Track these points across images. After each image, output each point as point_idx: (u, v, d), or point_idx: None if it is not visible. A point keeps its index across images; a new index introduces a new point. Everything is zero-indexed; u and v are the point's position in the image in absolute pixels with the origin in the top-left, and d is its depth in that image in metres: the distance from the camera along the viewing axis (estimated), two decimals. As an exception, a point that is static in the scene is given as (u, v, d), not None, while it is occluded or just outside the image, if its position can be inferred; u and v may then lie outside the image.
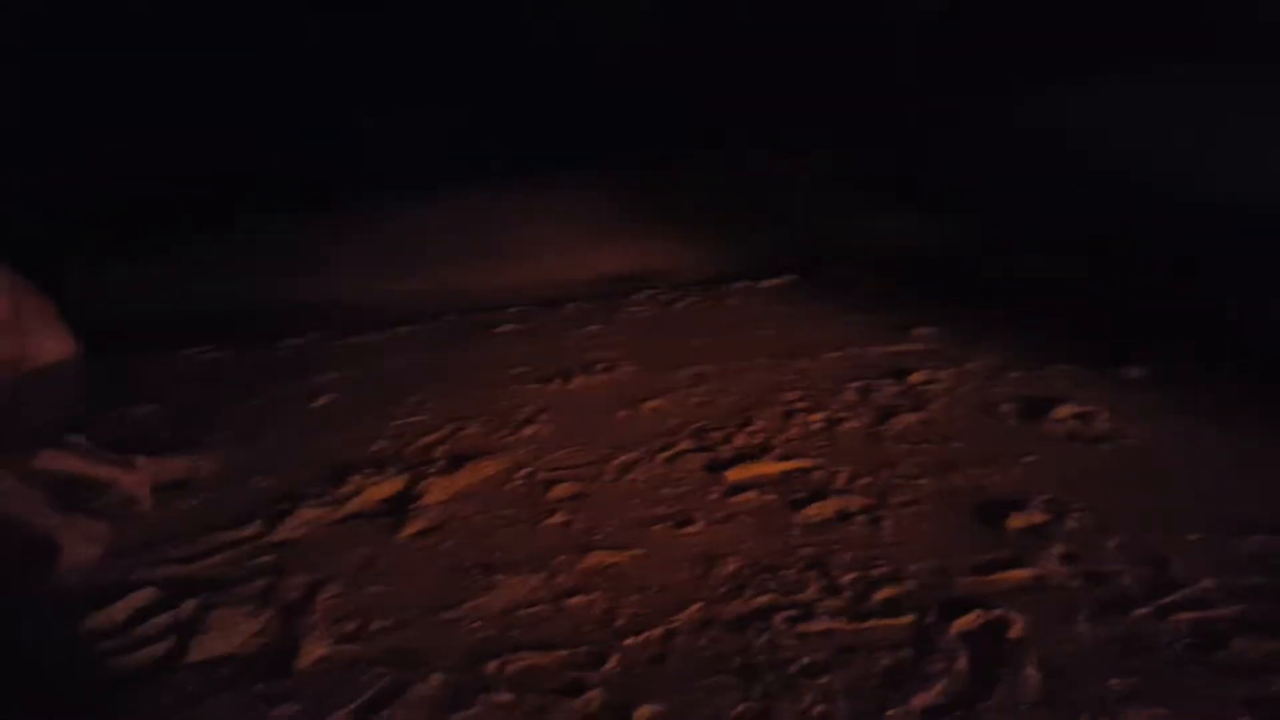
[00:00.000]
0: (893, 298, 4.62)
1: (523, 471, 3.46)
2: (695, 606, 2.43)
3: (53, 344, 3.39)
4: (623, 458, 3.41)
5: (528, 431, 3.82)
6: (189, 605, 2.85)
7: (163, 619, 2.83)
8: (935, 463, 3.03)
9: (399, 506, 3.35)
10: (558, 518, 3.07)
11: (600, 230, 6.65)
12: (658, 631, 2.35)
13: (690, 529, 2.84)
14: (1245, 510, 2.55)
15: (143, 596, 2.97)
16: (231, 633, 2.68)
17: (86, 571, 3.20)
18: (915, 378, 3.69)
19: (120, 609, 2.92)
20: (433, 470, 3.55)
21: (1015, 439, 3.15)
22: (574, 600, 2.57)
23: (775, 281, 5.18)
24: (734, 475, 3.13)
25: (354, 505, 3.44)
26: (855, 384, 3.71)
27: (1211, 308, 4.03)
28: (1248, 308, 3.93)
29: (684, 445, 3.43)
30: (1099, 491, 2.74)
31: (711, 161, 7.95)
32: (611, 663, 2.25)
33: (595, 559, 2.76)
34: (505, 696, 2.19)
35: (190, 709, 2.35)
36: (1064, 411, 3.28)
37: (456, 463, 3.58)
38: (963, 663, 2.08)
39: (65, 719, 2.38)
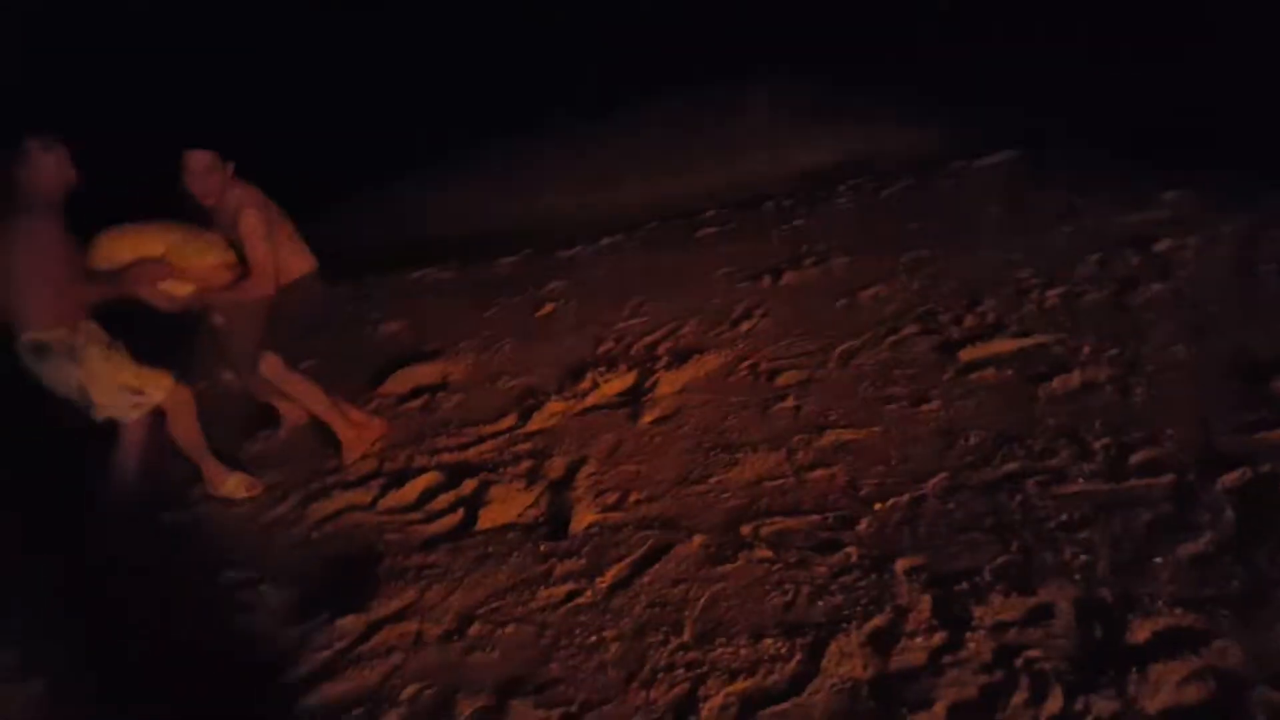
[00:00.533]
0: (1128, 165, 4.29)
1: (745, 363, 3.61)
2: (941, 475, 2.51)
3: (297, 260, 3.63)
4: (846, 344, 3.47)
5: (745, 326, 3.95)
6: (469, 484, 3.27)
7: (448, 495, 3.27)
8: (1188, 329, 2.88)
9: (634, 398, 3.61)
10: (787, 402, 3.20)
11: (794, 124, 6.55)
12: (904, 498, 2.46)
13: (927, 406, 2.89)
14: None
15: (428, 479, 3.43)
16: (510, 505, 3.05)
17: (375, 459, 3.71)
18: (1159, 246, 3.46)
19: (410, 489, 3.39)
20: (659, 366, 3.78)
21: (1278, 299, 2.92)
22: (816, 473, 2.71)
23: (992, 159, 4.92)
24: (967, 355, 3.12)
25: (592, 399, 3.74)
26: (1093, 256, 3.54)
27: None
28: None
29: (909, 330, 3.44)
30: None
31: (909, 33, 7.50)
32: (863, 525, 2.39)
33: (831, 437, 2.88)
34: (765, 553, 2.39)
35: (493, 563, 2.73)
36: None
37: (680, 358, 3.78)
38: (1229, 515, 2.04)
39: (389, 578, 2.81)
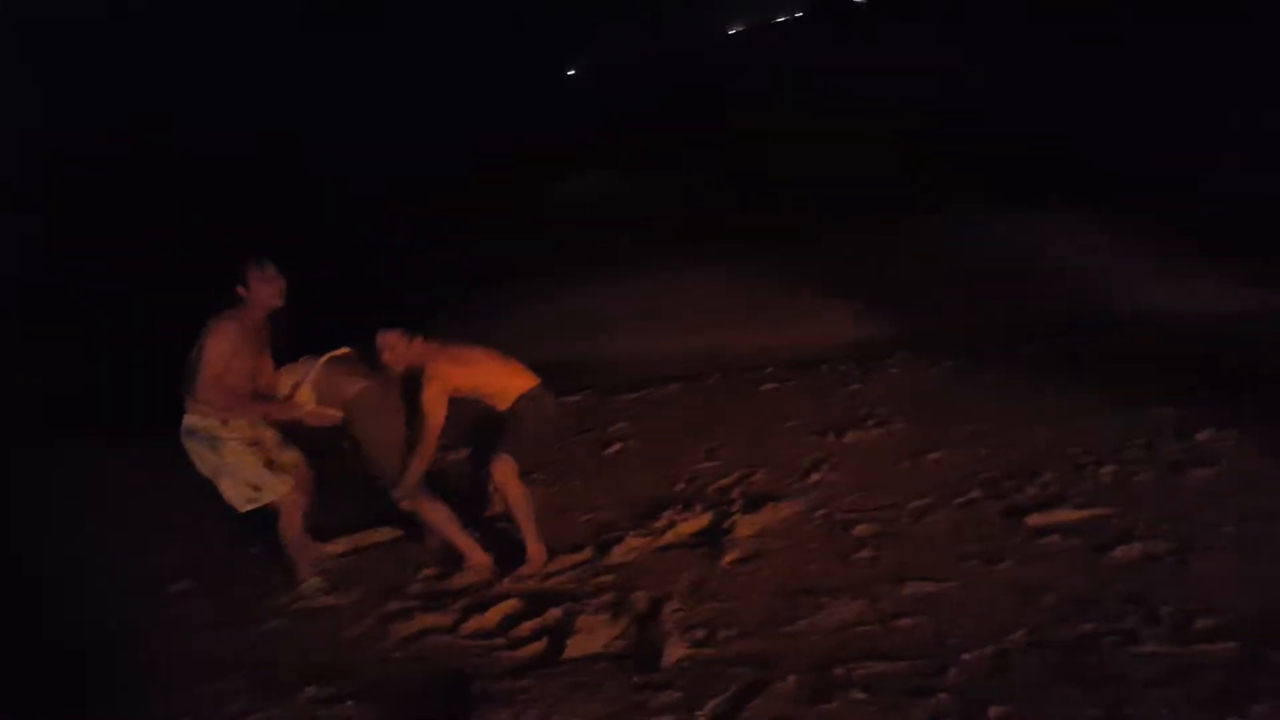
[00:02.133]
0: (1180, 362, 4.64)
1: (820, 512, 3.84)
2: (1022, 631, 2.68)
3: (517, 381, 4.00)
4: (916, 503, 3.70)
5: (814, 478, 4.20)
6: (553, 613, 3.44)
7: (531, 623, 3.43)
8: (1235, 512, 3.11)
9: (712, 538, 3.82)
10: (865, 553, 3.41)
11: (845, 296, 7.03)
12: (989, 650, 2.62)
13: (1001, 566, 3.09)
14: None
15: (509, 605, 3.60)
16: (596, 636, 3.21)
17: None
18: (1201, 435, 3.74)
19: (492, 615, 3.56)
20: (734, 509, 4.01)
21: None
22: (901, 622, 2.89)
23: (1041, 345, 5.30)
24: (1034, 520, 3.34)
25: (670, 537, 3.95)
26: (1140, 441, 3.81)
27: None
28: None
29: (975, 494, 3.68)
30: None
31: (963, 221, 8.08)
32: (953, 674, 2.55)
33: (912, 588, 3.07)
34: (860, 695, 2.54)
35: (586, 692, 2.87)
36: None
37: (755, 503, 4.01)
38: (1300, 683, 2.22)
39: (481, 700, 2.95)
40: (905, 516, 3.62)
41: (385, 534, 4.51)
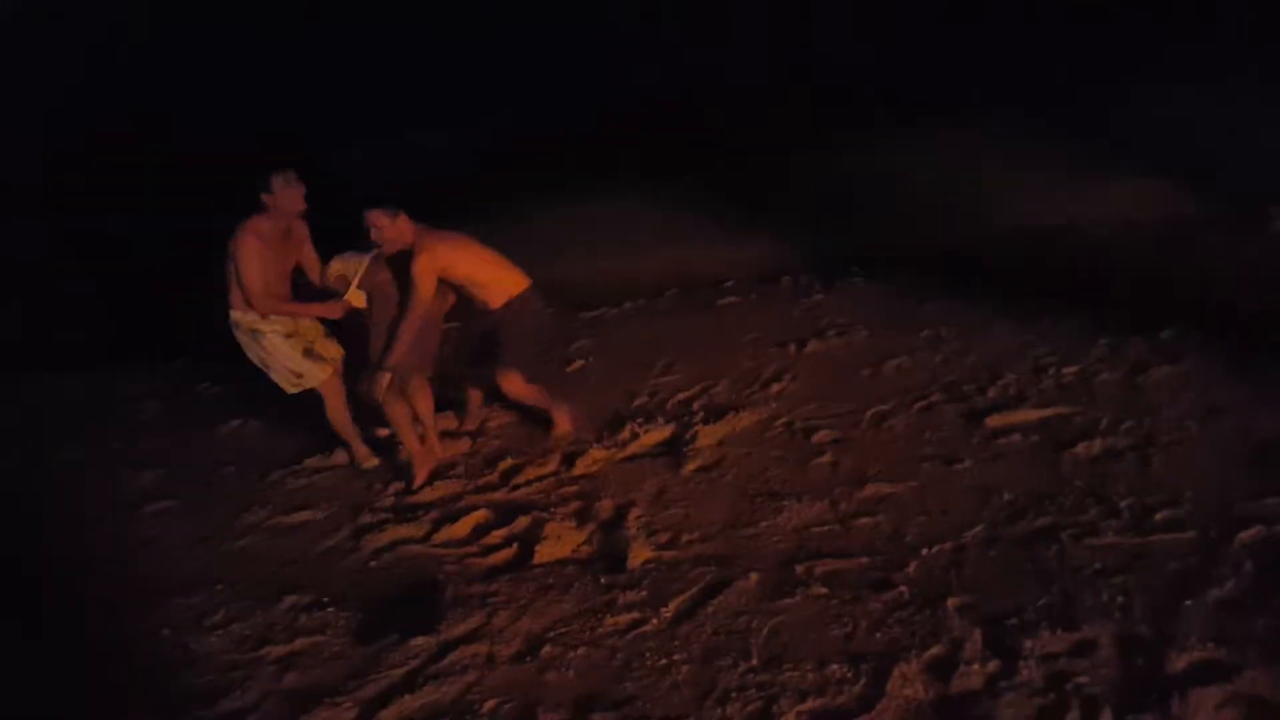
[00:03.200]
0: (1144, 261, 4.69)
1: (780, 421, 3.85)
2: (979, 527, 2.74)
3: (510, 276, 4.03)
4: (876, 408, 3.73)
5: (775, 388, 4.20)
6: (522, 521, 3.44)
7: (501, 531, 3.44)
8: (1198, 408, 3.17)
9: (674, 449, 3.82)
10: (825, 458, 3.43)
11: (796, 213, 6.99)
12: (948, 545, 2.68)
13: (960, 465, 3.13)
14: None
15: (479, 515, 3.60)
16: (564, 542, 3.23)
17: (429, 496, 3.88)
18: (1164, 334, 3.79)
19: (463, 525, 3.56)
20: (696, 420, 4.00)
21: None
22: (860, 521, 2.93)
23: (993, 257, 5.31)
24: (994, 421, 3.38)
25: (633, 448, 3.94)
26: (1103, 340, 3.86)
27: None
28: None
29: (936, 397, 3.71)
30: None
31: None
32: (911, 567, 2.60)
33: (872, 490, 3.11)
34: (820, 590, 2.59)
35: (556, 593, 2.89)
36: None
37: (716, 414, 4.01)
38: (1249, 567, 2.29)
39: (454, 604, 2.96)
40: (865, 422, 3.65)
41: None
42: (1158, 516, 2.58)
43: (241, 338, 4.10)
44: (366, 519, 3.77)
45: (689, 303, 5.93)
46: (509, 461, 4.06)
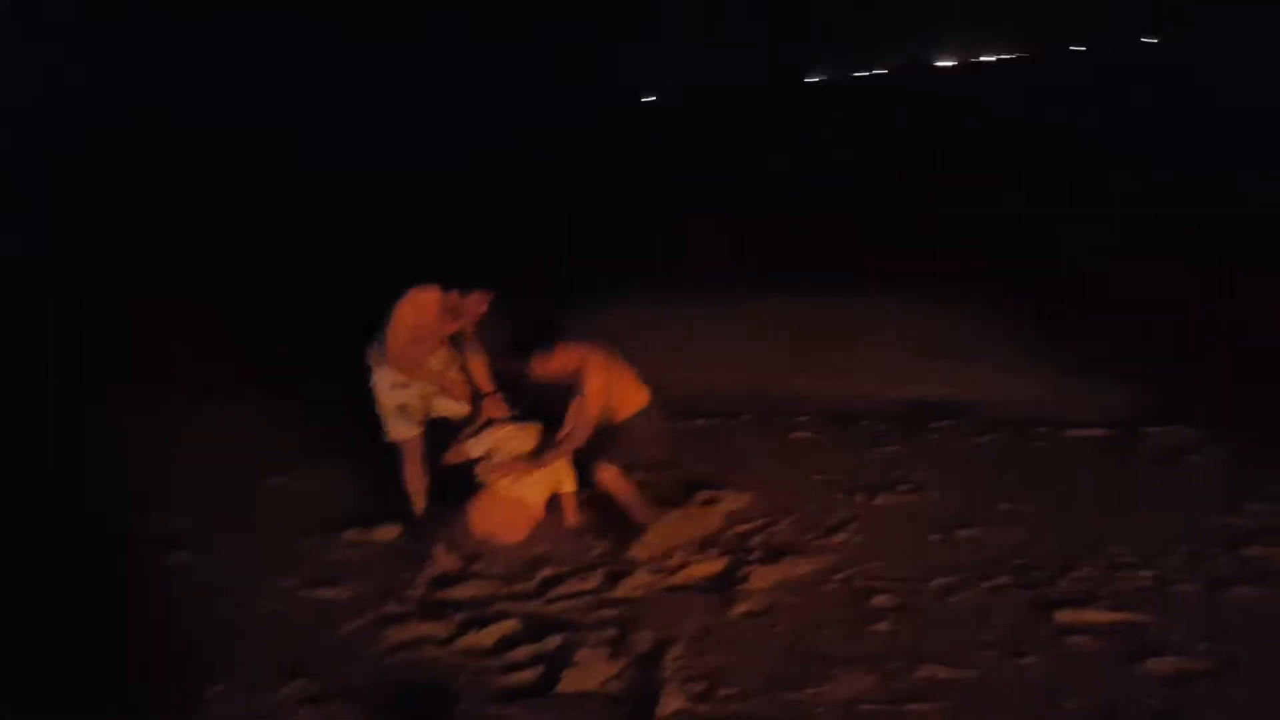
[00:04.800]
0: (1231, 464, 4.41)
1: (840, 575, 3.69)
2: (1043, 736, 2.53)
3: (636, 394, 4.30)
4: (942, 580, 3.54)
5: (838, 539, 4.05)
6: (552, 641, 3.33)
7: (528, 648, 3.33)
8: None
9: (724, 585, 3.69)
10: (882, 625, 3.25)
11: (917, 350, 6.85)
12: (1007, 752, 2.47)
13: (1024, 660, 2.93)
14: None
15: (508, 626, 3.51)
16: (593, 672, 3.10)
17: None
18: (1248, 551, 3.52)
19: (489, 634, 3.47)
20: (751, 558, 3.87)
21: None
22: (913, 707, 2.74)
23: (1090, 432, 5.09)
24: (1063, 617, 3.16)
25: (681, 577, 3.82)
26: (1183, 548, 3.61)
27: None
28: None
29: (1004, 579, 3.50)
30: None
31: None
32: (966, 771, 2.40)
33: (929, 671, 2.91)
34: (863, 780, 2.40)
35: (576, 730, 2.76)
36: None
37: (773, 555, 3.87)
38: None
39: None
40: (929, 593, 3.46)
41: (394, 532, 4.46)
42: (1244, 761, 2.34)
43: (368, 374, 4.45)
44: (393, 608, 3.72)
45: (760, 428, 5.83)
46: (550, 570, 3.99)
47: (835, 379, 6.56)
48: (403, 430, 4.42)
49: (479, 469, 4.30)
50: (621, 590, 3.72)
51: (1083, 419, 5.33)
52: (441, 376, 4.45)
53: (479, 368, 4.63)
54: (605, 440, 4.18)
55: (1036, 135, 12.90)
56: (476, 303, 4.31)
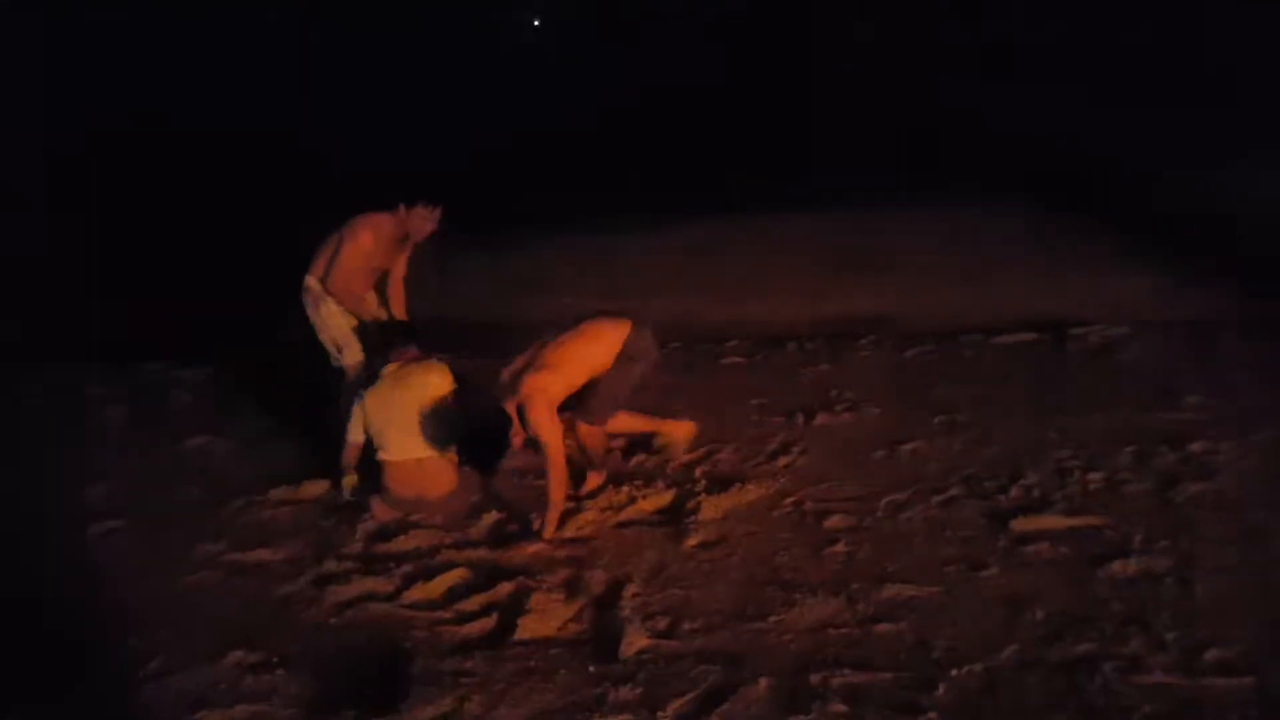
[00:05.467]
0: (1164, 359, 4.54)
1: (789, 499, 3.61)
2: (1013, 647, 2.50)
3: (611, 331, 3.80)
4: (892, 497, 3.50)
5: (782, 461, 3.97)
6: (505, 587, 3.16)
7: (480, 597, 3.15)
8: (1237, 532, 2.97)
9: (675, 518, 3.57)
10: (839, 547, 3.19)
11: (834, 265, 6.81)
12: (979, 667, 2.44)
13: (986, 573, 2.91)
14: None
15: (456, 575, 3.31)
16: (550, 617, 2.95)
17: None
18: (1193, 446, 3.60)
19: (437, 584, 3.27)
20: (699, 488, 3.76)
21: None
22: (881, 627, 2.68)
23: (1017, 338, 5.14)
24: (1019, 525, 3.16)
25: (630, 512, 3.68)
26: (1129, 447, 3.66)
27: None
28: None
29: (955, 491, 3.49)
30: None
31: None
32: (940, 690, 2.36)
33: (892, 591, 2.87)
34: (840, 707, 2.34)
35: (538, 679, 2.62)
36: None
37: (720, 484, 3.76)
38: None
39: (422, 681, 2.66)
40: (881, 511, 3.41)
41: (322, 487, 4.16)
42: (1208, 656, 2.37)
43: (307, 299, 4.34)
44: (331, 566, 3.47)
45: (690, 358, 5.70)
46: (494, 515, 3.79)
47: (759, 301, 6.49)
48: (359, 352, 4.35)
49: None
50: (570, 530, 3.56)
51: (1007, 324, 5.42)
52: (379, 312, 4.37)
53: (398, 306, 4.43)
54: (589, 390, 3.76)
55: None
56: (423, 218, 4.26)
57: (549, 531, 3.52)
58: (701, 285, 6.87)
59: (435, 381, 3.85)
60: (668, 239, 7.99)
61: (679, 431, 4.11)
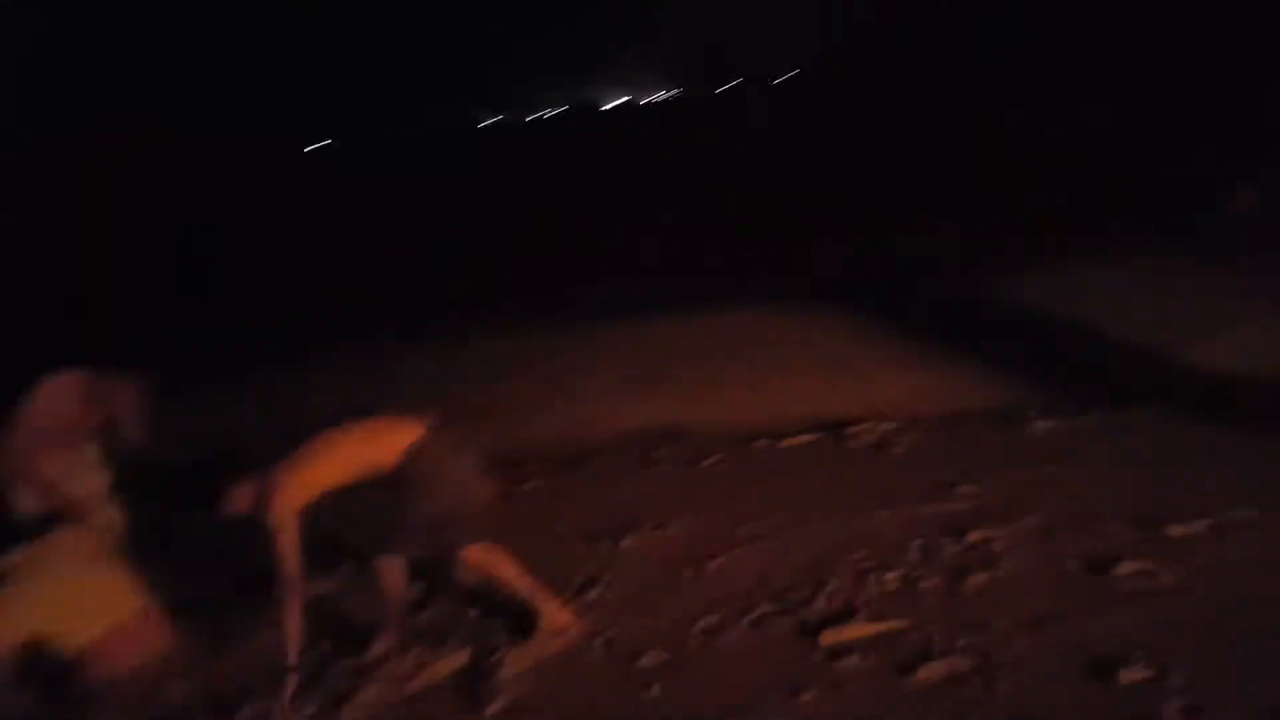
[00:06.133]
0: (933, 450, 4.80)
1: (599, 639, 3.36)
2: (842, 783, 2.37)
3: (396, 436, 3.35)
4: (705, 621, 3.35)
5: (592, 594, 3.74)
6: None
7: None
8: (1026, 620, 3.06)
9: (473, 679, 3.21)
10: (655, 689, 2.97)
11: (621, 377, 6.80)
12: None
13: (804, 696, 2.79)
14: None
15: None
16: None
17: None
18: (973, 536, 3.75)
19: None
20: (500, 641, 3.42)
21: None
22: (705, 780, 2.47)
23: (802, 439, 5.28)
24: (828, 638, 3.09)
25: (421, 680, 3.27)
26: (916, 542, 3.76)
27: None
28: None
29: (764, 608, 3.39)
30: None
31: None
32: None
33: (714, 735, 2.67)
34: None
35: None
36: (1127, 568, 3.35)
37: (524, 632, 3.44)
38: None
39: None
40: (695, 639, 3.24)
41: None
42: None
43: None
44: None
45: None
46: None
47: (556, 415, 6.34)
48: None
49: None
50: (347, 713, 3.09)
51: (791, 427, 5.58)
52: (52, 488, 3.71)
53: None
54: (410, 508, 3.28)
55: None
56: (126, 393, 3.79)
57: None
58: (488, 407, 6.62)
59: None
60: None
61: (558, 620, 3.42)
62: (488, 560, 3.39)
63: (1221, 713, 2.44)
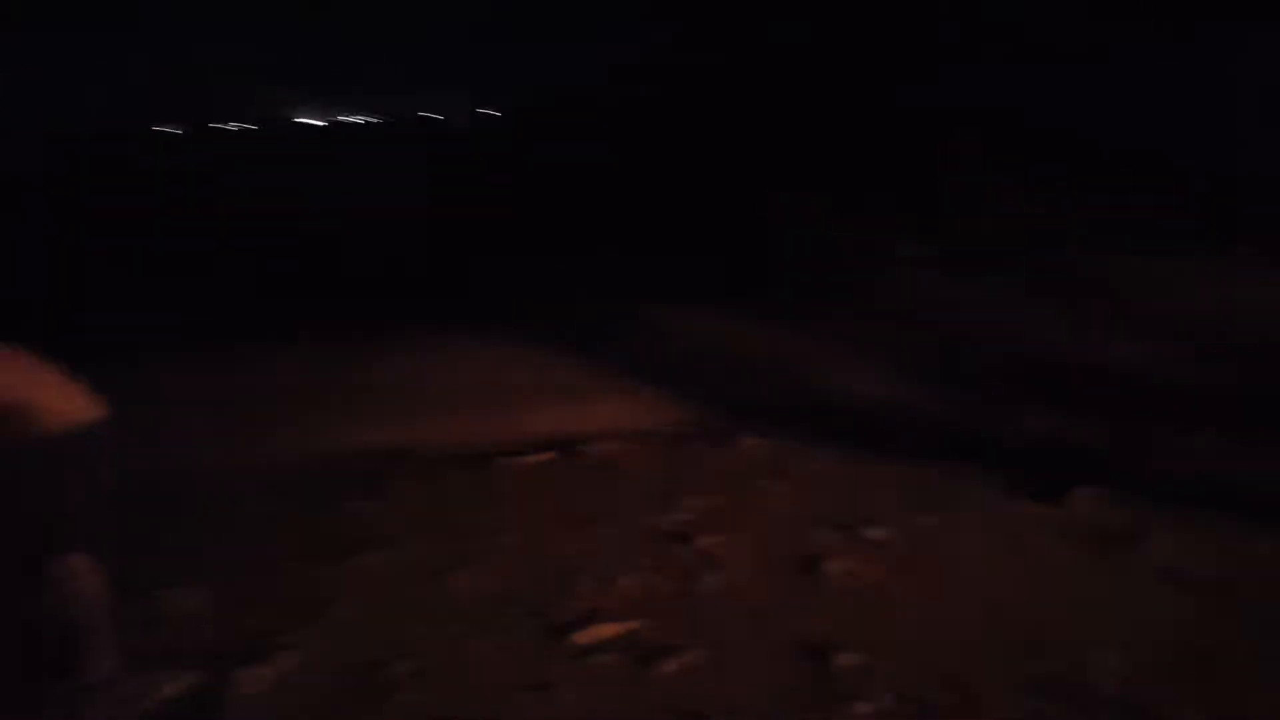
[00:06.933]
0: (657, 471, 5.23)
1: (343, 663, 3.25)
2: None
3: None
4: (450, 631, 3.41)
5: (333, 614, 3.60)
6: None
7: None
8: (749, 614, 3.50)
9: (206, 710, 2.96)
10: (408, 695, 2.99)
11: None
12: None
13: (556, 694, 2.97)
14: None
15: None
16: None
17: None
18: (702, 542, 4.16)
19: None
20: (229, 664, 3.18)
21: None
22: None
23: (539, 457, 5.46)
24: (579, 638, 3.32)
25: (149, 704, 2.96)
26: (650, 549, 4.10)
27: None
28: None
29: (513, 613, 3.53)
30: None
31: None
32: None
33: (471, 732, 2.73)
34: None
35: None
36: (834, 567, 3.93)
37: (258, 656, 3.24)
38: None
39: None
40: (441, 648, 3.29)
41: None
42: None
43: None
44: None
45: (208, 505, 4.90)
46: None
47: (276, 438, 5.94)
48: None
49: None
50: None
51: (525, 448, 5.74)
52: None
53: None
54: None
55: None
56: None
57: None
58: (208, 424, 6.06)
59: None
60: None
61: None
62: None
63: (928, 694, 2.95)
